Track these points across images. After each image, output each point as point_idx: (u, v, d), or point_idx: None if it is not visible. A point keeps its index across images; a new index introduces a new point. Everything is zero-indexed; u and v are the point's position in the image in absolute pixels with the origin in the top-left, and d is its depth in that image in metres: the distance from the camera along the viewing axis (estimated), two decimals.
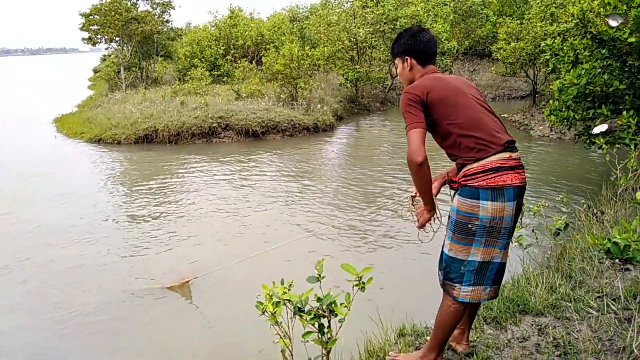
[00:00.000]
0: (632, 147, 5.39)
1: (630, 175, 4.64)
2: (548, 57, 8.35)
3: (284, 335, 2.19)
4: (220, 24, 26.43)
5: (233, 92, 15.77)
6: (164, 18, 22.61)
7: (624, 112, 5.91)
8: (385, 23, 17.30)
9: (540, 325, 2.90)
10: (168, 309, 4.70)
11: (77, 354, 4.12)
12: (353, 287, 2.13)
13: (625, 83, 6.41)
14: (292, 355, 2.24)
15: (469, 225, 2.21)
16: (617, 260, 2.45)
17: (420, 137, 2.18)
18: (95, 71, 39.07)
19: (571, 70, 6.94)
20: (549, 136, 12.23)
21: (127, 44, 20.59)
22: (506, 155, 2.20)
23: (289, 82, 14.75)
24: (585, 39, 6.81)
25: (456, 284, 2.29)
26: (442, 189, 2.58)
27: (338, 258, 5.48)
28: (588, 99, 6.83)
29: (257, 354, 3.87)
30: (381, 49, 18.55)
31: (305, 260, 5.38)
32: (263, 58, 16.56)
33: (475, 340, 2.80)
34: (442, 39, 17.78)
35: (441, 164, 8.21)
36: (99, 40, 20.86)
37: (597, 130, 5.90)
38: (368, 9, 18.19)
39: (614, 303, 3.02)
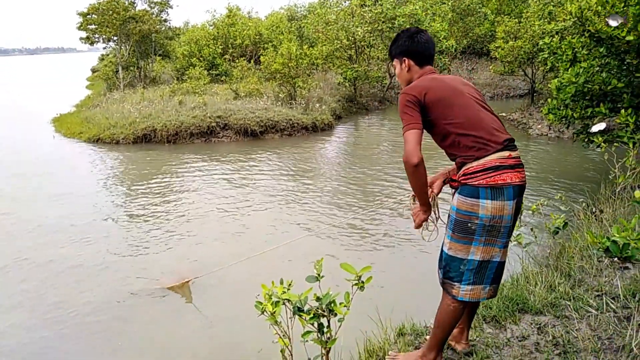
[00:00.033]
0: (631, 145, 5.39)
1: (628, 173, 4.65)
2: (546, 55, 8.35)
3: (283, 335, 2.19)
4: (219, 23, 26.41)
5: (231, 92, 15.76)
6: (161, 17, 22.58)
7: (622, 111, 5.92)
8: (383, 22, 17.30)
9: (540, 324, 2.90)
10: (168, 309, 4.70)
11: (77, 353, 4.11)
12: (352, 287, 2.13)
13: (623, 81, 6.42)
14: (291, 354, 2.24)
15: (469, 224, 2.21)
16: (616, 259, 2.46)
17: (416, 138, 2.19)
18: (93, 71, 39.02)
19: (569, 69, 6.95)
20: (547, 135, 12.24)
21: (125, 44, 20.56)
22: (506, 153, 2.20)
23: (287, 81, 14.75)
24: (584, 38, 6.82)
25: (455, 283, 2.29)
26: (444, 187, 2.58)
27: (338, 257, 5.49)
28: (586, 98, 6.84)
29: (256, 353, 3.87)
30: (379, 48, 18.54)
31: (305, 259, 5.37)
32: (261, 57, 16.54)
33: (475, 339, 2.80)
34: (441, 38, 17.79)
35: (441, 163, 8.21)
36: (96, 39, 20.83)
37: (595, 128, 5.92)
38: (366, 8, 18.18)
39: (613, 301, 3.02)
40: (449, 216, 2.33)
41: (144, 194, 8.34)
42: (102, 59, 34.59)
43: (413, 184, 2.29)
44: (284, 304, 2.11)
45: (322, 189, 8.37)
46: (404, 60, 2.47)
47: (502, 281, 2.83)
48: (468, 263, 2.26)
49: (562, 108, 7.15)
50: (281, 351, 2.22)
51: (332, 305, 2.08)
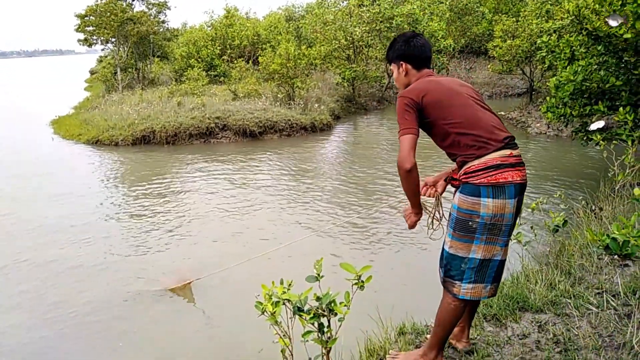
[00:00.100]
0: (629, 143, 5.39)
1: (627, 171, 4.65)
2: (544, 54, 8.36)
3: (283, 335, 2.18)
4: (217, 24, 26.40)
5: (230, 92, 15.75)
6: (159, 18, 22.57)
7: (621, 109, 5.92)
8: (381, 22, 17.30)
9: (540, 322, 2.90)
10: (168, 309, 4.70)
11: (77, 353, 4.11)
12: (352, 286, 2.13)
13: (621, 79, 6.42)
14: (292, 354, 2.23)
15: (470, 223, 2.21)
16: (616, 256, 2.46)
17: (411, 143, 2.22)
18: (92, 72, 38.98)
19: (567, 67, 6.95)
20: (546, 133, 12.25)
21: (123, 45, 20.54)
22: (507, 152, 2.21)
23: (285, 81, 14.74)
24: (581, 36, 6.82)
25: (456, 282, 2.29)
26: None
27: (339, 257, 5.49)
28: (585, 96, 6.85)
29: (257, 354, 3.86)
30: (377, 48, 18.55)
31: (306, 259, 5.34)
32: (259, 58, 16.54)
33: (476, 338, 2.80)
34: (438, 37, 17.80)
35: (440, 161, 8.22)
36: (94, 41, 20.81)
37: (594, 126, 5.92)
38: (364, 8, 18.18)
39: (613, 299, 3.02)
40: (450, 215, 2.33)
41: (143, 194, 8.33)
42: (100, 61, 34.60)
43: (405, 188, 2.32)
44: (284, 304, 2.11)
45: (323, 189, 8.37)
46: (401, 64, 2.49)
47: (502, 279, 2.83)
48: (469, 261, 2.26)
49: (560, 106, 7.15)
50: (281, 351, 2.22)
51: (332, 304, 2.07)
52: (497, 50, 15.23)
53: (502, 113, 14.63)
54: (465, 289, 2.28)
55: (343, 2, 24.10)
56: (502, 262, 2.31)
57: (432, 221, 2.61)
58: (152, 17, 21.47)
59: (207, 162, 10.50)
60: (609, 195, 5.43)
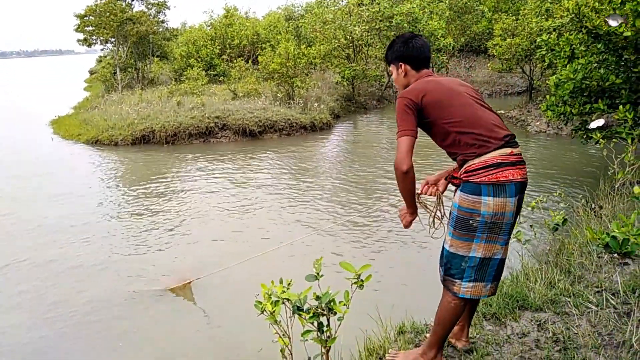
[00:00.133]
0: (629, 141, 5.39)
1: (627, 169, 4.64)
2: (544, 52, 8.35)
3: (283, 334, 2.18)
4: (216, 23, 26.40)
5: (230, 92, 15.74)
6: (159, 18, 22.55)
7: (621, 107, 5.91)
8: (380, 21, 17.30)
9: (540, 321, 2.90)
10: (168, 309, 4.70)
11: (77, 353, 4.11)
12: (352, 285, 2.12)
13: (621, 77, 6.41)
14: (291, 354, 2.23)
15: (470, 221, 2.21)
16: (615, 255, 2.45)
17: (409, 145, 2.23)
18: (91, 72, 38.96)
19: (567, 65, 6.94)
20: (546, 132, 12.24)
21: (122, 45, 20.53)
22: (508, 150, 2.21)
23: (285, 81, 14.74)
24: (581, 34, 6.81)
25: (457, 280, 2.29)
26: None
27: (339, 256, 5.49)
28: (584, 94, 6.84)
29: (256, 353, 3.86)
30: (377, 47, 18.54)
31: (306, 258, 5.36)
32: (259, 57, 16.53)
33: (475, 337, 2.80)
34: (438, 36, 17.78)
35: (440, 160, 8.22)
36: (94, 41, 20.81)
37: (594, 125, 5.90)
38: (363, 7, 18.17)
39: (613, 297, 3.02)
40: (450, 213, 2.33)
41: (143, 194, 8.33)
42: (99, 61, 34.60)
43: (401, 189, 2.34)
44: (283, 303, 2.11)
45: (323, 187, 8.37)
46: (401, 65, 2.49)
47: (502, 278, 2.83)
48: (469, 260, 2.26)
49: (560, 105, 7.14)
50: (281, 350, 2.22)
51: (332, 304, 2.07)
52: (496, 49, 15.22)
53: (502, 111, 14.62)
54: (465, 288, 2.28)
55: (342, 1, 24.06)
56: (502, 261, 2.31)
57: (434, 220, 2.61)
58: (151, 17, 21.45)
59: (207, 162, 10.50)
60: (608, 193, 5.43)
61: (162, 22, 23.10)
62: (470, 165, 2.22)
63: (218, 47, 22.91)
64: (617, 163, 4.74)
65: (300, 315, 2.08)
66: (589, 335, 2.66)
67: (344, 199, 7.67)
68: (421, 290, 4.65)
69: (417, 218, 2.52)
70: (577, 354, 2.52)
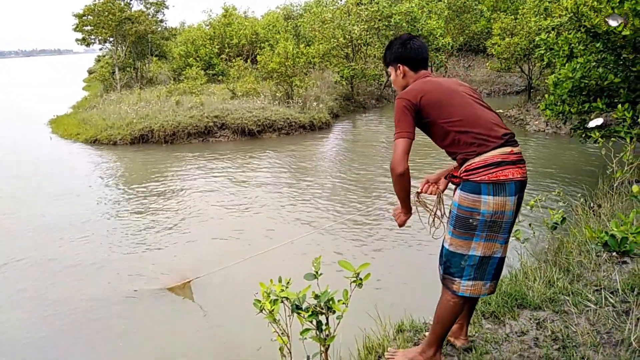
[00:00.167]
0: (628, 140, 5.39)
1: (626, 168, 4.65)
2: (543, 51, 8.36)
3: (282, 333, 2.18)
4: (215, 23, 26.38)
5: (228, 91, 15.74)
6: (157, 18, 22.52)
7: (619, 106, 5.91)
8: (379, 20, 17.29)
9: (539, 319, 2.90)
10: (168, 309, 4.69)
11: (76, 352, 4.10)
12: (350, 284, 2.13)
13: (619, 76, 6.42)
14: (290, 352, 2.23)
15: (470, 220, 2.22)
16: (614, 253, 2.46)
17: (405, 147, 2.25)
18: (90, 72, 38.92)
19: (566, 64, 6.94)
20: (544, 131, 12.25)
21: (121, 44, 20.52)
22: (508, 149, 2.21)
23: (284, 80, 14.73)
24: (580, 33, 6.81)
25: (456, 279, 2.30)
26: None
27: (338, 254, 5.48)
28: (583, 93, 6.84)
29: (255, 352, 3.86)
30: (376, 46, 18.53)
31: (306, 257, 5.35)
32: (258, 56, 16.52)
33: (474, 335, 2.80)
34: (437, 35, 17.79)
35: (439, 158, 8.22)
36: (92, 40, 20.79)
37: (592, 124, 5.91)
38: (362, 6, 18.17)
39: (611, 296, 3.02)
40: (450, 212, 2.33)
41: (142, 193, 8.33)
42: (98, 60, 34.53)
43: (396, 190, 2.36)
44: (282, 301, 2.11)
45: (323, 186, 8.37)
46: (399, 66, 2.50)
47: (501, 277, 2.83)
48: (469, 259, 2.26)
49: (559, 104, 7.14)
50: (280, 349, 2.22)
51: (331, 302, 2.07)
52: (495, 48, 15.22)
53: (501, 111, 14.62)
54: (464, 286, 2.28)
55: (341, 1, 24.07)
56: (501, 260, 2.32)
57: (434, 220, 2.61)
58: (150, 16, 21.43)
59: (206, 161, 10.49)
60: (607, 192, 5.43)
61: (161, 21, 23.08)
62: (470, 164, 2.22)
63: (217, 47, 22.89)
64: (616, 162, 4.75)
65: (299, 313, 2.09)
66: (588, 333, 2.66)
67: (344, 198, 7.67)
68: (420, 289, 4.65)
69: (417, 217, 2.53)
70: (576, 353, 2.52)
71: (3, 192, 8.64)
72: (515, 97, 18.71)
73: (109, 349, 4.13)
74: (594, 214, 4.84)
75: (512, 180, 2.18)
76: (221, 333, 4.29)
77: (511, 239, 2.93)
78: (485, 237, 2.23)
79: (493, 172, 2.17)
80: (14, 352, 4.11)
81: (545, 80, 8.87)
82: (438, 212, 2.61)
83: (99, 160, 11.16)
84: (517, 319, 2.94)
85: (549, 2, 14.98)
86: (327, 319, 2.12)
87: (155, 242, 6.16)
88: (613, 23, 5.82)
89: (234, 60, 21.29)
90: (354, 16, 18.15)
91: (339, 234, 6.19)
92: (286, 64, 14.41)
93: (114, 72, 20.27)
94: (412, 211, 2.56)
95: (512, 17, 16.29)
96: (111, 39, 20.42)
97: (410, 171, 2.30)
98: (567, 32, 7.55)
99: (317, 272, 2.11)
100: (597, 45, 6.57)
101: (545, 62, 10.04)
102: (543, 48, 8.21)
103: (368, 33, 17.87)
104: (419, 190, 2.61)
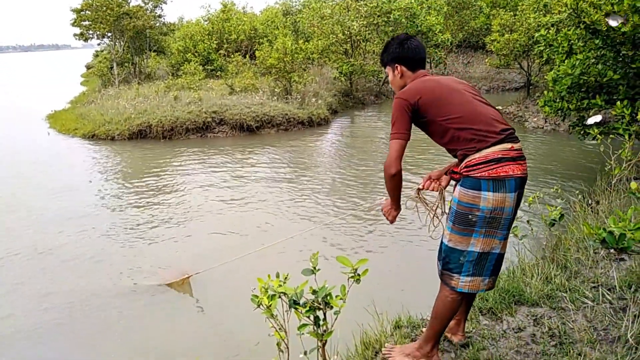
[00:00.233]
0: (626, 137, 5.40)
1: (624, 165, 4.66)
2: (542, 48, 8.34)
3: (279, 328, 2.18)
4: (213, 18, 26.26)
5: (227, 87, 15.70)
6: (156, 13, 22.40)
7: (618, 103, 5.91)
8: (378, 16, 17.26)
9: (536, 316, 2.90)
10: (167, 306, 4.69)
11: (75, 350, 4.10)
12: (348, 280, 2.12)
13: (619, 73, 6.41)
14: (287, 348, 2.23)
15: (470, 216, 2.22)
16: (612, 250, 2.47)
17: (399, 149, 2.29)
18: (88, 67, 38.80)
19: (565, 61, 6.94)
20: (543, 127, 12.25)
21: (119, 40, 20.43)
22: (508, 145, 2.21)
23: (283, 76, 14.70)
24: (579, 29, 6.81)
25: (455, 274, 2.30)
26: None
27: (337, 250, 5.49)
28: (582, 90, 6.84)
29: (253, 347, 3.87)
30: (375, 42, 18.50)
31: (305, 252, 5.37)
32: (256, 52, 16.48)
33: (471, 331, 2.80)
34: (436, 32, 17.76)
35: (439, 156, 8.22)
36: (90, 36, 20.68)
37: (591, 120, 5.91)
38: (361, 2, 18.12)
39: (609, 293, 3.03)
40: (450, 208, 2.33)
41: (141, 188, 8.32)
42: (96, 56, 34.41)
43: (388, 188, 2.42)
44: (279, 297, 2.10)
45: (322, 181, 8.37)
46: (396, 67, 2.51)
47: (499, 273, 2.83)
48: (468, 255, 2.26)
49: (558, 100, 7.14)
50: (277, 344, 2.22)
51: (328, 298, 2.07)
52: (494, 45, 15.20)
53: (500, 107, 14.61)
54: (463, 282, 2.28)
55: None
56: (500, 256, 2.32)
57: (432, 219, 2.61)
58: (148, 11, 21.32)
59: (204, 156, 10.48)
60: (605, 189, 5.44)
61: (159, 16, 22.96)
62: (470, 160, 2.22)
63: (215, 42, 22.81)
64: (614, 159, 4.75)
65: (296, 309, 2.08)
66: (585, 330, 2.67)
67: (343, 193, 7.67)
68: (418, 285, 4.66)
69: (416, 214, 2.54)
70: (572, 349, 2.52)
71: (3, 187, 8.63)
72: (514, 93, 18.70)
73: (107, 345, 4.13)
74: (592, 211, 4.84)
75: (512, 176, 2.17)
76: (221, 330, 4.29)
77: (510, 235, 2.94)
78: (485, 233, 2.23)
79: (493, 168, 2.17)
80: (12, 350, 4.10)
81: (545, 77, 8.86)
82: (439, 210, 2.60)
83: (98, 155, 11.14)
84: (515, 315, 2.94)
85: None
86: (324, 314, 2.11)
87: (154, 237, 6.16)
88: (613, 23, 5.82)
89: (232, 55, 21.25)
90: (353, 12, 18.10)
91: (338, 230, 6.19)
92: (285, 59, 14.38)
93: (112, 68, 20.19)
94: (413, 208, 2.57)
95: (512, 13, 16.25)
96: (109, 34, 20.33)
97: (410, 167, 2.32)
98: (566, 28, 7.54)
99: (314, 268, 2.11)
100: (597, 41, 6.56)
101: (544, 59, 10.04)
102: (542, 44, 8.20)
103: (367, 29, 17.83)
104: (421, 186, 2.61)
